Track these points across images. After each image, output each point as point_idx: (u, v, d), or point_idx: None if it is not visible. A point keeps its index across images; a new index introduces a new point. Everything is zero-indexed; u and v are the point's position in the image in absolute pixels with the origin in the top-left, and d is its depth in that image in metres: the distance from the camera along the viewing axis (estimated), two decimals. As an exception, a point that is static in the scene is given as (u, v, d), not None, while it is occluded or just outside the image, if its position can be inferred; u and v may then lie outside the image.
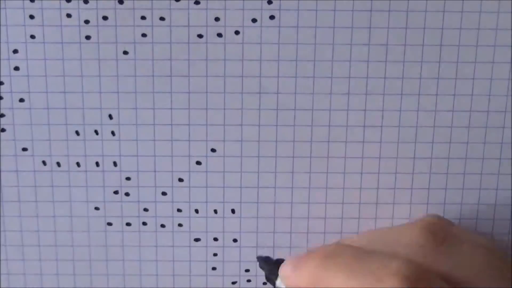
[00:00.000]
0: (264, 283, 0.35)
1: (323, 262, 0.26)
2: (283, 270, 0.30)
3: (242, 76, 0.33)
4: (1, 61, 0.32)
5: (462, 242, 0.25)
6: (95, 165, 0.34)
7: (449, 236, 0.25)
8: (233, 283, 0.35)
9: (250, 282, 0.35)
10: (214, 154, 0.34)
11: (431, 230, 0.25)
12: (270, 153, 0.34)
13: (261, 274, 0.35)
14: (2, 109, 0.33)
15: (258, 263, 0.34)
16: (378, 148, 0.34)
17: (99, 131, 0.33)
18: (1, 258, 0.35)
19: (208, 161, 0.34)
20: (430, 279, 0.23)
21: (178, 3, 0.32)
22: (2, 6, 0.32)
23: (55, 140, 0.33)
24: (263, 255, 0.34)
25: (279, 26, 0.32)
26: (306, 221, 0.34)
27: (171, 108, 0.33)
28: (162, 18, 0.32)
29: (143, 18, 0.32)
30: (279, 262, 0.32)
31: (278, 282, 0.31)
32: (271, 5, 0.32)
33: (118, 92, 0.33)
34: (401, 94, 0.33)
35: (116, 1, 0.32)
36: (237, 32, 0.32)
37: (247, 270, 0.35)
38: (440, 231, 0.25)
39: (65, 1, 0.32)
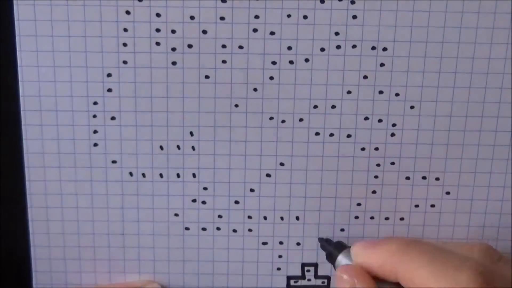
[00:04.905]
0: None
1: (406, 247, 0.29)
2: (357, 246, 0.32)
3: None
4: (96, 83, 0.35)
5: (508, 265, 0.30)
6: (176, 176, 0.36)
7: (501, 259, 0.30)
8: (296, 281, 0.38)
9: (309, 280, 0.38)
10: (282, 167, 0.36)
11: (488, 252, 0.30)
12: (332, 167, 0.36)
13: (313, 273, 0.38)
14: (95, 126, 0.35)
15: (319, 244, 0.36)
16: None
17: (180, 146, 0.36)
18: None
19: (276, 174, 0.36)
20: (497, 280, 0.28)
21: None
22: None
23: (141, 153, 0.36)
24: (323, 237, 0.36)
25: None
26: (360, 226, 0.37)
27: (245, 127, 0.35)
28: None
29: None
30: (340, 243, 0.34)
31: (341, 258, 0.33)
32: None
33: (199, 112, 0.35)
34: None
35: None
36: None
37: (308, 271, 0.38)
38: (494, 253, 0.30)
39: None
